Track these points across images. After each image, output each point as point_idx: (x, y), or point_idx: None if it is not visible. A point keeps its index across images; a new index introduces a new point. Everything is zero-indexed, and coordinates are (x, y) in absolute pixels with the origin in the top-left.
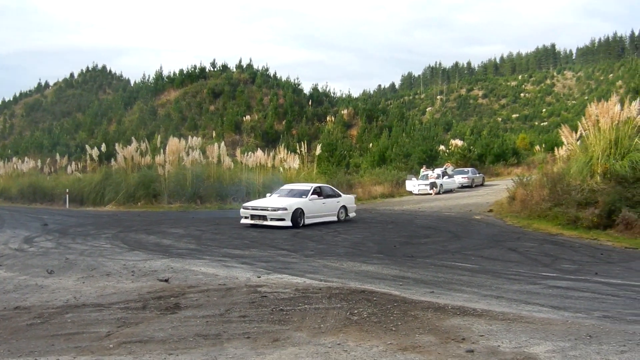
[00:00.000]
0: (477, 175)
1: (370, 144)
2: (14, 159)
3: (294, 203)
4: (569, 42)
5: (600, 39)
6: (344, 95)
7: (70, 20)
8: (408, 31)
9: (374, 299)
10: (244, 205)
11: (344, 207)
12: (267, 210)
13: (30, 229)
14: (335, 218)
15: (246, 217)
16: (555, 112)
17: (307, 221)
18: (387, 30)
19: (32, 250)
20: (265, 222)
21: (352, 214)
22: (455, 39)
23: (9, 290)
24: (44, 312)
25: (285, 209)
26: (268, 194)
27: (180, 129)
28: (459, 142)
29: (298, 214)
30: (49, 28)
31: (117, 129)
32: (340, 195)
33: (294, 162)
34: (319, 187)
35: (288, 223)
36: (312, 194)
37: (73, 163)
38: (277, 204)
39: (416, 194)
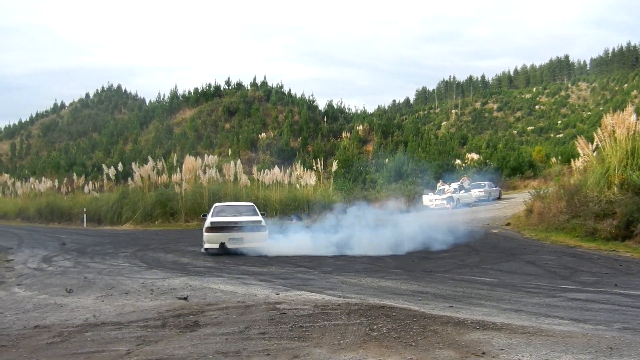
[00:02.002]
0: (494, 188)
1: (386, 160)
2: (32, 179)
3: None
4: (583, 53)
5: (614, 49)
6: (358, 111)
7: (85, 40)
8: (419, 46)
9: (393, 314)
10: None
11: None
12: None
13: (48, 248)
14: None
15: None
16: (571, 124)
17: None
18: (399, 45)
19: (51, 269)
20: None
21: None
22: (467, 52)
23: (28, 310)
24: (63, 330)
25: None
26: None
27: (196, 148)
28: (475, 156)
29: None
30: (64, 48)
31: (134, 148)
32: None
33: (310, 178)
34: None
35: None
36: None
37: (90, 182)
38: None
39: (433, 209)
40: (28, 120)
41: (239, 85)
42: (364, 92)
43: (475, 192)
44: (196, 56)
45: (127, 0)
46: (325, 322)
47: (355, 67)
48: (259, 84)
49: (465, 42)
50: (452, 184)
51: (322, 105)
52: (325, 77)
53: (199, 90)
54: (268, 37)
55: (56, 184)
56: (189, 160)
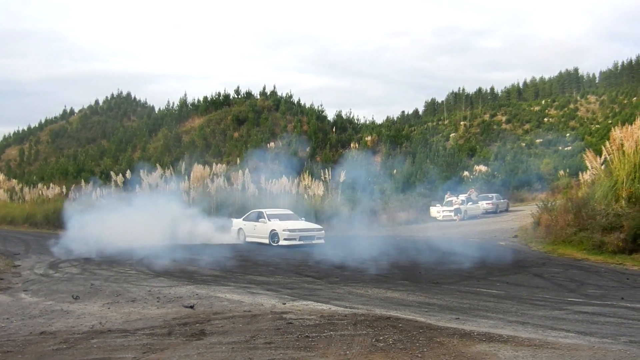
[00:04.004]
0: (502, 200)
1: (394, 171)
2: (40, 185)
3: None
4: (592, 65)
5: (623, 62)
6: (367, 122)
7: (99, 47)
8: (430, 57)
9: (400, 325)
10: (287, 228)
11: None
12: (314, 231)
13: (55, 254)
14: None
15: (292, 239)
16: (579, 137)
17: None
18: (410, 56)
19: (58, 275)
20: (313, 242)
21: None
22: (477, 64)
23: (34, 316)
24: (69, 337)
25: (322, 230)
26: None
27: (205, 156)
28: (483, 168)
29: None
30: (77, 55)
31: (142, 155)
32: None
33: (318, 188)
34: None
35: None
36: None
37: (98, 189)
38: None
39: (440, 220)
40: (37, 126)
41: (249, 94)
42: (376, 103)
43: (483, 204)
44: (208, 65)
45: (140, 9)
46: (331, 333)
47: (367, 78)
48: (268, 93)
49: (476, 54)
50: (460, 195)
51: (331, 115)
52: (336, 87)
53: (208, 99)
54: (280, 46)
55: (64, 190)
56: (197, 169)
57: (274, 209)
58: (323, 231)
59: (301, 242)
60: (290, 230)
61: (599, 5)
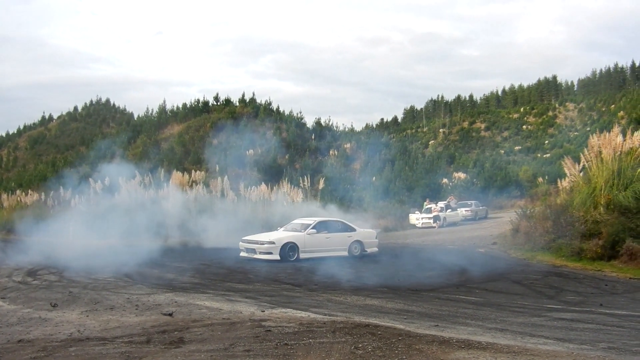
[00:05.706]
0: (481, 207)
1: (373, 178)
2: (18, 191)
3: (286, 237)
4: (571, 74)
5: (601, 70)
6: (346, 129)
7: (78, 53)
8: (410, 65)
9: (379, 332)
10: (242, 238)
11: (358, 242)
12: (257, 243)
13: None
14: (345, 253)
15: (242, 250)
16: (558, 144)
17: (304, 255)
18: (389, 65)
19: (36, 283)
20: (254, 256)
21: (372, 249)
22: (456, 72)
23: (12, 323)
24: (47, 345)
25: (273, 243)
26: (279, 227)
27: (184, 163)
28: (462, 175)
29: (288, 248)
30: (56, 61)
31: (121, 162)
32: (354, 230)
33: (297, 196)
34: (324, 221)
35: (276, 257)
36: (313, 227)
37: (76, 196)
38: (268, 237)
39: (420, 227)
40: (16, 132)
41: (228, 102)
42: (355, 110)
43: (462, 211)
44: (187, 72)
45: (121, 16)
46: (310, 340)
47: (347, 86)
48: (247, 101)
49: (455, 62)
50: (439, 202)
51: (310, 122)
52: (316, 95)
53: (188, 106)
54: (259, 54)
55: (43, 197)
56: (176, 176)
57: (309, 218)
58: (274, 245)
59: (246, 255)
60: (242, 241)
61: (578, 14)
